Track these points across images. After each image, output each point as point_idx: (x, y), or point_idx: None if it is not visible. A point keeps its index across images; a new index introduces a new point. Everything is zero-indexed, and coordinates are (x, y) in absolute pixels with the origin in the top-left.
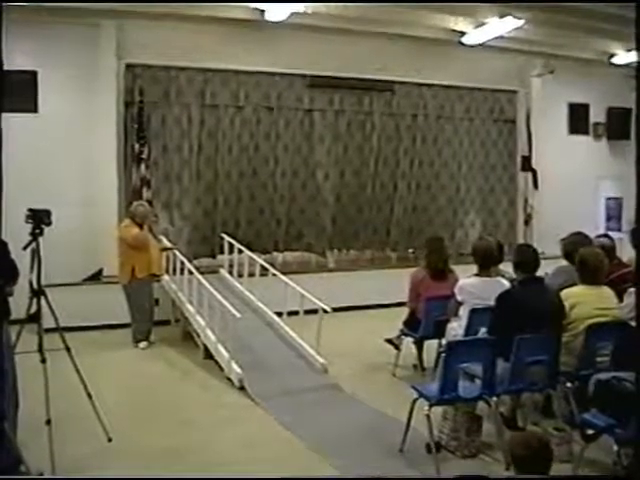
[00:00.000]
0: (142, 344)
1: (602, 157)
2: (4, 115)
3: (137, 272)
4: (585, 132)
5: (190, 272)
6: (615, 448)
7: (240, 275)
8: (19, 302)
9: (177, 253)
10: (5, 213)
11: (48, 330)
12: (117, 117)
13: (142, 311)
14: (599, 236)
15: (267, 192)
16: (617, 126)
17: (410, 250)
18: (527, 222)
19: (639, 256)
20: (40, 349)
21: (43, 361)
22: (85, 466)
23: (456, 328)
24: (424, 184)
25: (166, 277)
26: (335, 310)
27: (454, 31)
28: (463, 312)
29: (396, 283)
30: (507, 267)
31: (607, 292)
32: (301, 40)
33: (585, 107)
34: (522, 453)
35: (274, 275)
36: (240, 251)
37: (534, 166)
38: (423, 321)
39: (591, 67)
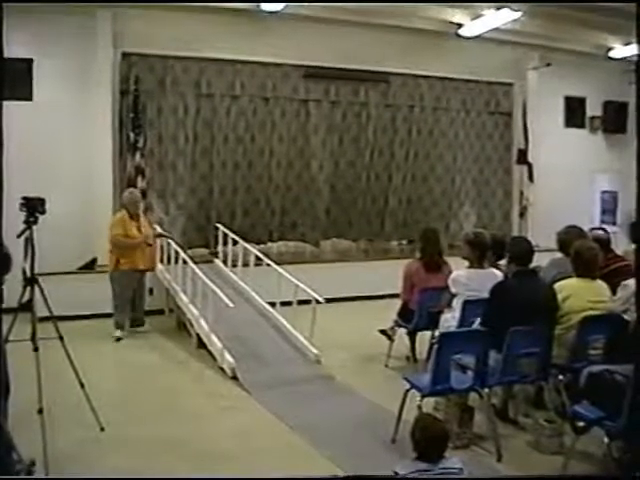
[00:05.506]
0: (117, 332)
1: (598, 150)
2: None
3: (121, 264)
4: (581, 125)
5: (184, 262)
6: (606, 440)
7: (234, 265)
8: (12, 290)
9: (171, 242)
10: None
11: (42, 319)
12: (112, 106)
13: (122, 300)
14: (594, 228)
15: (262, 182)
16: (613, 120)
17: (404, 241)
18: (522, 215)
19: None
20: (33, 338)
21: (36, 350)
22: (78, 455)
23: (449, 319)
24: (419, 176)
25: (160, 267)
26: (329, 301)
27: (451, 23)
28: (457, 303)
29: (390, 274)
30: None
31: (600, 285)
32: (297, 30)
33: (581, 100)
34: (419, 436)
35: (268, 265)
36: (235, 241)
37: (530, 159)
38: (417, 312)
39: (588, 60)
